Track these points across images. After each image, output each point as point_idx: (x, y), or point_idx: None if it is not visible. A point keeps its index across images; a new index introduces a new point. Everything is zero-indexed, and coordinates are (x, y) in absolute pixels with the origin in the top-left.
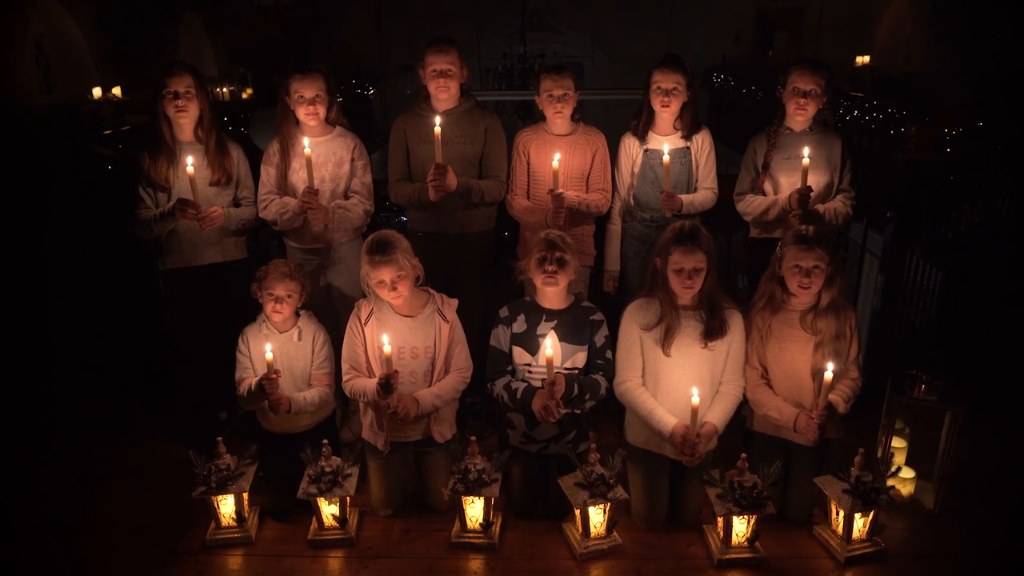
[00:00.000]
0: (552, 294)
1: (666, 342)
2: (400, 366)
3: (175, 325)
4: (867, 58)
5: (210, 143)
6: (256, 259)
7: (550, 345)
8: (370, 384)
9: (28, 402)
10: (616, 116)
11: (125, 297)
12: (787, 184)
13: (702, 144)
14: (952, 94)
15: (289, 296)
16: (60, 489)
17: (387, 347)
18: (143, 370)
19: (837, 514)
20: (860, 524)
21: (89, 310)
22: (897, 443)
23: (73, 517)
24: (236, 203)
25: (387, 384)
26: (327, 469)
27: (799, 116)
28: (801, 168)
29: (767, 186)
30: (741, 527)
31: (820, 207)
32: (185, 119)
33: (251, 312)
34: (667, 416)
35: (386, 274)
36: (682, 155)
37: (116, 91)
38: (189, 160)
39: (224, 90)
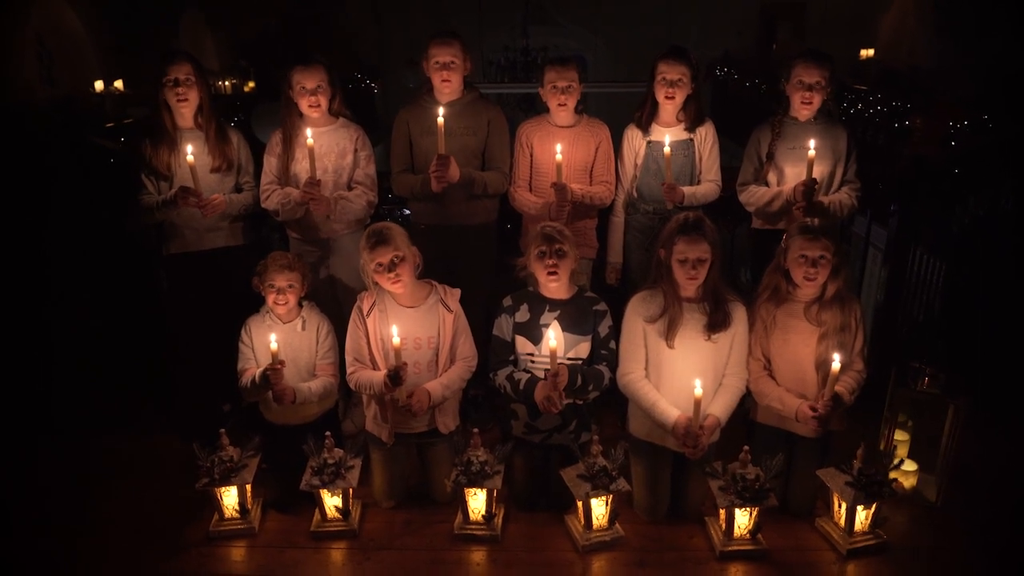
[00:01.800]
0: (555, 286)
1: (669, 334)
2: (404, 357)
3: (177, 315)
4: (871, 51)
5: (210, 130)
6: (258, 249)
7: (554, 336)
8: (376, 376)
9: (28, 402)
10: (619, 109)
11: (125, 297)
12: (792, 174)
13: (705, 136)
14: (956, 88)
15: (291, 287)
16: (60, 489)
17: (396, 338)
18: (143, 370)
19: (839, 506)
20: (862, 516)
21: (89, 310)
22: (900, 436)
23: (73, 517)
24: (238, 188)
25: (396, 376)
26: (330, 461)
27: (804, 109)
28: (806, 158)
29: (771, 176)
30: (743, 519)
31: (825, 199)
32: (186, 107)
33: (253, 303)
34: (670, 408)
35: (384, 255)
36: (686, 147)
37: (118, 84)
38: (189, 149)
39: (226, 83)
